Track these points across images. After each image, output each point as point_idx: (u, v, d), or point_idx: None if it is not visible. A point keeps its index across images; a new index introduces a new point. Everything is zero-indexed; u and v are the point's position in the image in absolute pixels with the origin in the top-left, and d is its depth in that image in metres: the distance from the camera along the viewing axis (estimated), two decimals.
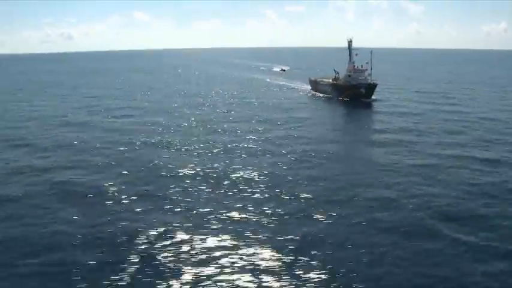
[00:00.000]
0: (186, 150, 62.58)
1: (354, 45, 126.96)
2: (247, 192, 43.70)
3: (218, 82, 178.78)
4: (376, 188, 45.38)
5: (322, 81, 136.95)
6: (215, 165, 53.46)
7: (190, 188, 45.30)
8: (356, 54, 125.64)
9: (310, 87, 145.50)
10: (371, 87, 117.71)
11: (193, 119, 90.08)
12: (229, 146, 64.56)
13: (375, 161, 57.18)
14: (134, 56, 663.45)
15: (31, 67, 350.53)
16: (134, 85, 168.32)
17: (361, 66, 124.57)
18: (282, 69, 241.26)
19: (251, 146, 64.86)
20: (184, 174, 50.15)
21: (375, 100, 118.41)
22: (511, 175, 49.43)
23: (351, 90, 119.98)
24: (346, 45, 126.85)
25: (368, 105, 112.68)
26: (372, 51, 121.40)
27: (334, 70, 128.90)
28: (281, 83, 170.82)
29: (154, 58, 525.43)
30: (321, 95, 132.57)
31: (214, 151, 61.32)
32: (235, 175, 49.31)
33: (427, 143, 67.07)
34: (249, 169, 51.35)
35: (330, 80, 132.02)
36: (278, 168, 52.29)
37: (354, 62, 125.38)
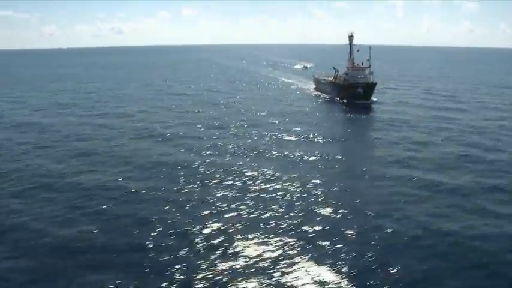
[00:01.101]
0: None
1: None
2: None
3: (221, 79, 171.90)
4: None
5: (323, 79, 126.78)
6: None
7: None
8: (357, 50, 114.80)
9: (314, 86, 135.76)
10: (369, 87, 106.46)
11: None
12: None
13: None
14: (182, 50, 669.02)
15: (127, 60, 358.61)
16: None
17: (362, 63, 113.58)
18: (304, 67, 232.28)
19: None
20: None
21: (374, 102, 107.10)
22: None
23: (348, 90, 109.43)
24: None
25: (366, 109, 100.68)
26: (370, 46, 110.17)
27: (333, 68, 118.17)
28: (291, 81, 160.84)
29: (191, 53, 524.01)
30: (322, 94, 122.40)
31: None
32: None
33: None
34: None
35: (330, 79, 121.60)
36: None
37: (353, 59, 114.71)
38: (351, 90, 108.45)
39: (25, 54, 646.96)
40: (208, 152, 58.09)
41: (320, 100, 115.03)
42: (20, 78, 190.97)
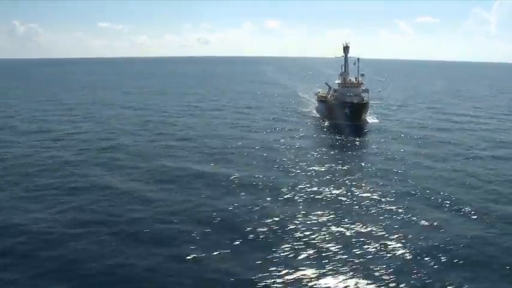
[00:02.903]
0: None
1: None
2: None
3: (246, 93, 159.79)
4: None
5: (320, 96, 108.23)
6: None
7: None
8: (354, 64, 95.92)
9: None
10: (358, 107, 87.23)
11: None
12: None
13: None
14: (265, 62, 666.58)
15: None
16: None
17: (356, 79, 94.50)
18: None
19: None
20: None
21: (366, 125, 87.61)
22: None
23: (335, 111, 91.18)
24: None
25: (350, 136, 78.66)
26: (358, 58, 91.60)
27: (326, 84, 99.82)
28: (306, 96, 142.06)
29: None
30: (318, 115, 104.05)
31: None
32: None
33: None
34: None
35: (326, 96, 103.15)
36: None
37: (347, 74, 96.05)
38: (338, 110, 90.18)
39: (114, 62, 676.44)
40: None
41: (308, 122, 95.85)
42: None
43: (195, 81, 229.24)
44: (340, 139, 75.70)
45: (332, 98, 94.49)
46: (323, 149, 68.10)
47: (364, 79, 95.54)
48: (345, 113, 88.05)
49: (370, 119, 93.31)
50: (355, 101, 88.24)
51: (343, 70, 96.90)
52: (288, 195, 44.85)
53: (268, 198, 43.90)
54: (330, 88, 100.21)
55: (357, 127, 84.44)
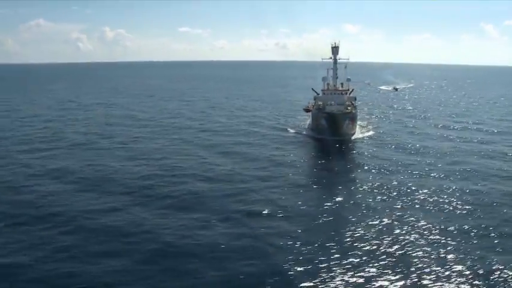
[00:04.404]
0: None
1: None
2: None
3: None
4: None
5: (308, 106, 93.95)
6: None
7: None
8: (345, 67, 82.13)
9: None
10: (335, 119, 73.09)
11: None
12: None
13: None
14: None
15: None
16: None
17: (341, 85, 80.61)
18: (394, 88, 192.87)
19: None
20: None
21: (350, 142, 73.08)
22: None
23: (314, 121, 78.27)
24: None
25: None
26: (346, 65, 77.61)
27: (313, 90, 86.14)
28: None
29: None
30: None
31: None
32: None
33: None
34: None
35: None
36: None
37: (335, 78, 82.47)
38: (316, 121, 77.28)
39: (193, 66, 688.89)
40: None
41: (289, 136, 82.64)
42: None
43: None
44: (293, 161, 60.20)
45: (314, 107, 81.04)
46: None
47: (348, 85, 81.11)
48: (321, 124, 74.82)
49: (364, 131, 79.56)
50: (335, 111, 74.23)
51: (332, 74, 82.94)
52: None
53: None
54: (317, 94, 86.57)
55: (336, 143, 70.57)
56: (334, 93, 78.79)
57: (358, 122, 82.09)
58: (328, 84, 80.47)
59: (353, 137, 75.76)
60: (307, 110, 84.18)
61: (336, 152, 66.92)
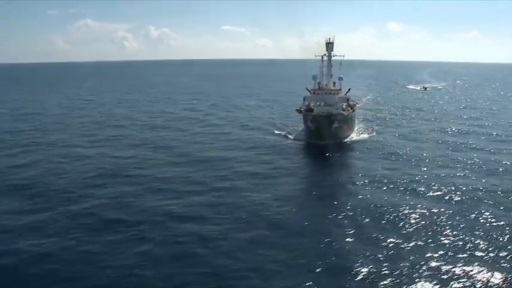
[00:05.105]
0: None
1: None
2: None
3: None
4: None
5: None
6: None
7: None
8: (340, 64, 76.18)
9: None
10: (321, 121, 67.17)
11: None
12: None
13: None
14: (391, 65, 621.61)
15: None
16: None
17: (334, 84, 74.68)
18: (423, 87, 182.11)
19: None
20: None
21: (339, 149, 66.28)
22: None
23: (304, 124, 72.73)
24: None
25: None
26: (341, 62, 71.59)
27: (307, 89, 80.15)
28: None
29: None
30: None
31: None
32: None
33: None
34: None
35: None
36: None
37: (329, 77, 76.61)
38: (304, 124, 71.82)
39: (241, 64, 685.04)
40: None
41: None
42: None
43: None
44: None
45: (303, 108, 75.09)
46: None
47: (341, 84, 74.80)
48: (309, 127, 69.24)
49: (362, 134, 74.02)
50: (321, 112, 68.28)
51: (326, 72, 76.79)
52: None
53: None
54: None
55: (321, 148, 64.94)
56: (325, 93, 72.69)
57: (363, 124, 75.63)
58: (319, 83, 74.28)
59: (347, 140, 69.92)
60: (299, 111, 78.25)
61: (314, 160, 61.52)
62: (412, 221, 36.24)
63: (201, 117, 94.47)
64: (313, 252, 30.90)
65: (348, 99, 73.63)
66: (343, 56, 76.03)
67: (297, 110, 79.12)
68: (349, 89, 76.98)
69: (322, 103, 71.66)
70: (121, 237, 33.26)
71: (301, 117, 73.43)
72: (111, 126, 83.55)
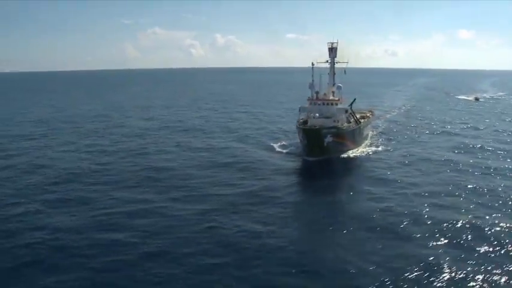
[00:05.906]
0: None
1: None
2: None
3: None
4: None
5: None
6: None
7: None
8: (344, 72, 69.78)
9: None
10: (313, 135, 60.89)
11: None
12: None
13: None
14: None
15: None
16: None
17: (333, 93, 68.37)
18: (475, 98, 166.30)
19: None
20: None
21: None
22: None
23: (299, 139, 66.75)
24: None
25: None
26: (345, 70, 65.42)
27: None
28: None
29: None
30: None
31: None
32: None
33: None
34: None
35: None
36: None
37: (332, 85, 70.49)
38: (298, 137, 65.95)
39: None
40: None
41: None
42: None
43: None
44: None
45: (300, 120, 68.76)
46: None
47: (340, 93, 67.63)
48: (301, 141, 63.27)
49: (371, 148, 67.60)
50: (314, 125, 61.94)
51: (329, 81, 70.38)
52: None
53: None
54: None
55: (312, 164, 58.96)
56: (323, 104, 66.11)
57: (382, 137, 69.07)
58: (317, 92, 67.60)
59: (344, 155, 63.13)
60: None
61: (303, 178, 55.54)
62: None
63: None
64: None
65: (345, 111, 66.28)
66: (347, 62, 69.23)
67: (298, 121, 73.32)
68: (355, 99, 69.50)
69: (317, 114, 65.25)
70: None
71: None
72: None
